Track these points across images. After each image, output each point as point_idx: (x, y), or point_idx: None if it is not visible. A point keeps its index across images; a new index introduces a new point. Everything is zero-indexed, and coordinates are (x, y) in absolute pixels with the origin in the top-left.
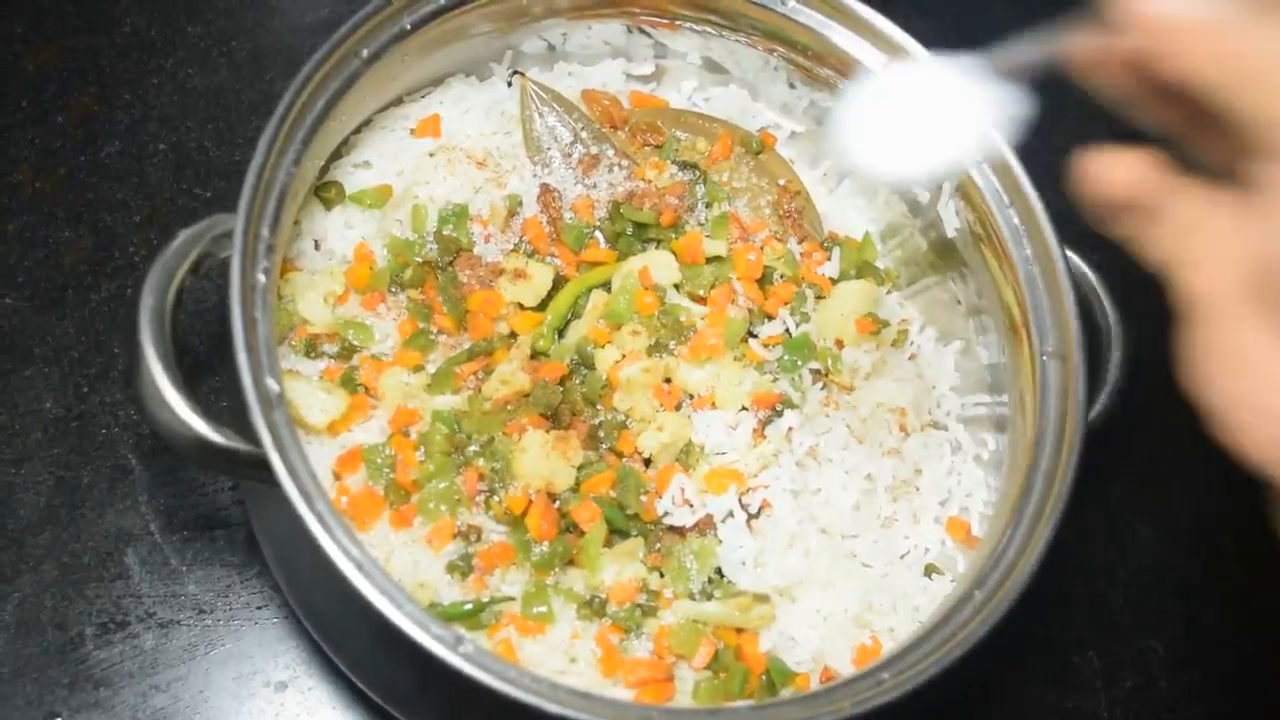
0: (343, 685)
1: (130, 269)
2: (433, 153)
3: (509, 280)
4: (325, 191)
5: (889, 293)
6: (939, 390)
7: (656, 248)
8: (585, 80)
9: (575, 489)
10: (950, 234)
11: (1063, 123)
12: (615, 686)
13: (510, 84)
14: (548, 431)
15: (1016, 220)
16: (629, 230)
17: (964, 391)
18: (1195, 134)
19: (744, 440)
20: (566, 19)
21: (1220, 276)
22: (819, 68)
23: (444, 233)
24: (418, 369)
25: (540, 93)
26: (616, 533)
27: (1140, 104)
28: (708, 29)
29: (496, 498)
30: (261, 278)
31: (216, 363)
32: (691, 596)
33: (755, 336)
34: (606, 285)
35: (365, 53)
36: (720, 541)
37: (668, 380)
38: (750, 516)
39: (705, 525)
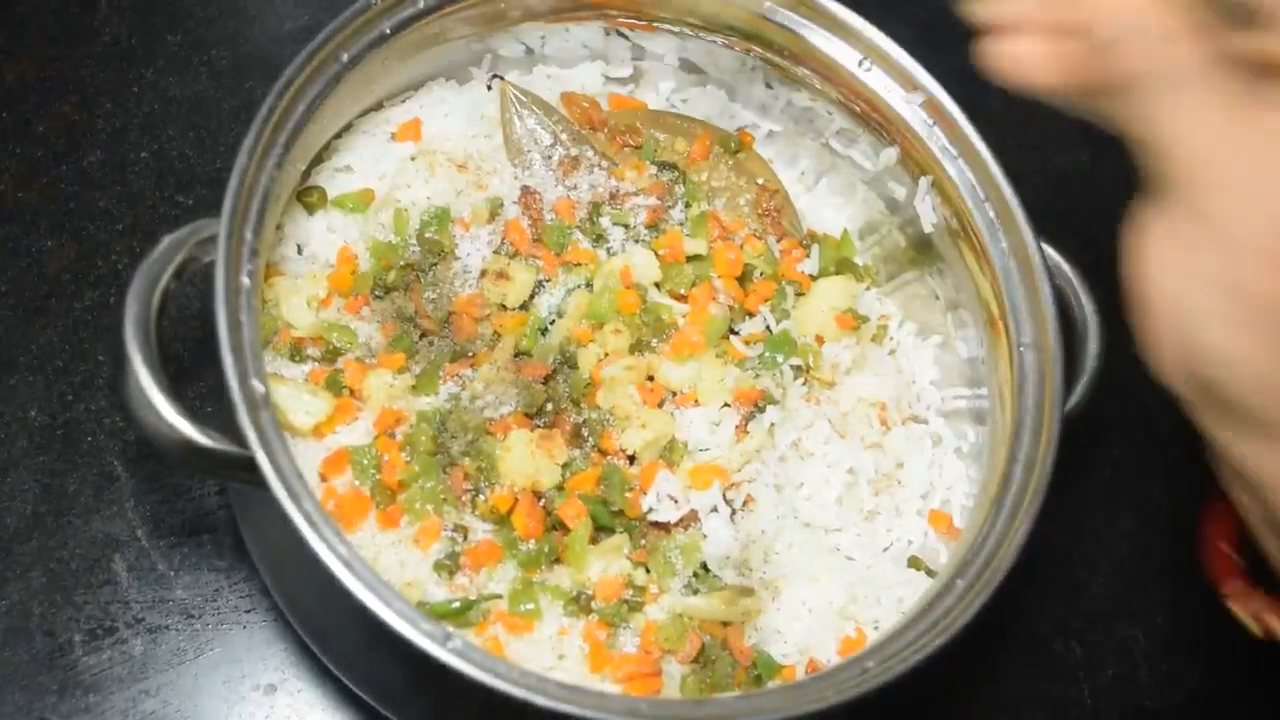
0: (332, 686)
1: (114, 277)
2: (414, 156)
3: (491, 281)
4: (307, 196)
5: (868, 289)
6: (919, 384)
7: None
8: (564, 83)
9: (560, 487)
10: (927, 229)
11: (1036, 119)
12: (603, 682)
13: (490, 87)
14: (532, 430)
15: (992, 214)
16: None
17: (944, 385)
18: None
19: (727, 436)
20: (544, 22)
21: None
22: (795, 67)
23: (426, 235)
24: (402, 371)
25: (520, 96)
26: (602, 529)
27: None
28: (685, 30)
29: (482, 497)
30: (245, 281)
31: (201, 369)
32: (677, 591)
33: (736, 333)
34: (589, 285)
35: (345, 57)
36: (705, 536)
37: (650, 378)
38: (734, 511)
39: (689, 521)
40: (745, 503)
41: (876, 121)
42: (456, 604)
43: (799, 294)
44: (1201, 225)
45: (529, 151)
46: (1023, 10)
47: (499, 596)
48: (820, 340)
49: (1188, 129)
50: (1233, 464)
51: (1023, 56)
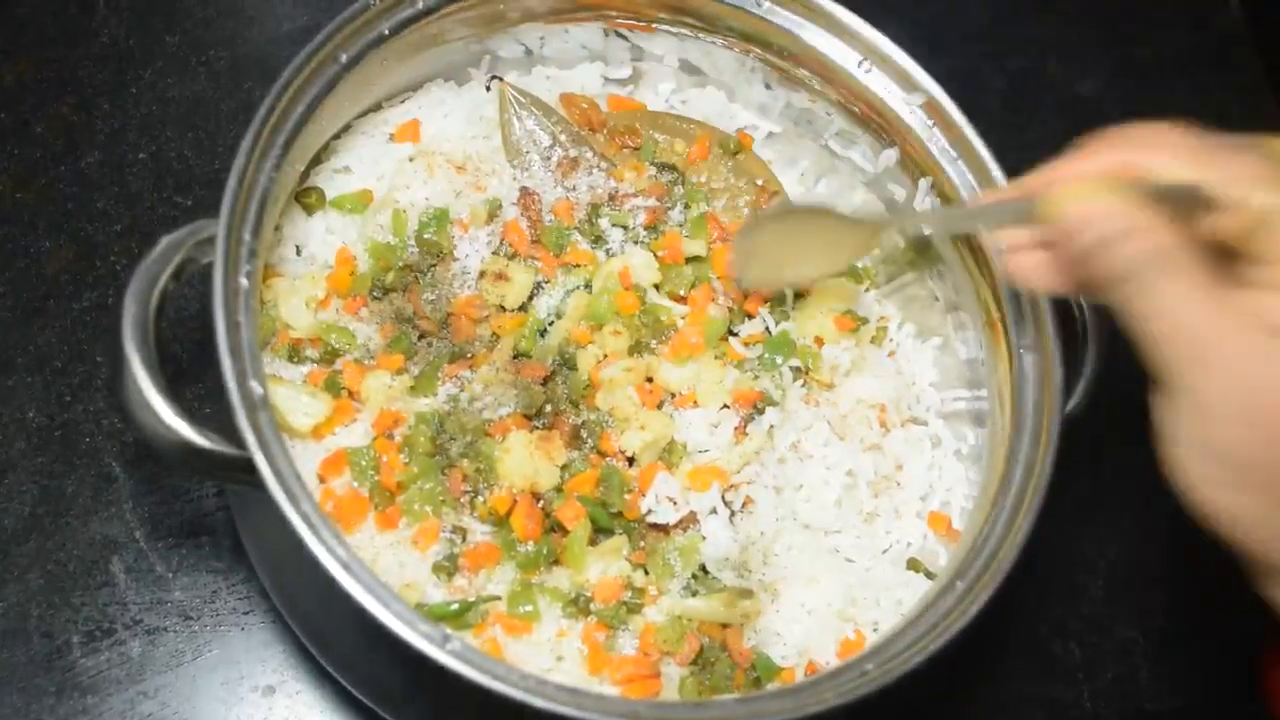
0: (330, 688)
1: (112, 278)
2: (412, 157)
3: (490, 283)
4: (306, 197)
5: (867, 290)
6: (918, 386)
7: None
8: (563, 84)
9: (559, 488)
10: (927, 231)
11: (1036, 120)
12: (602, 684)
13: (489, 88)
14: (531, 432)
15: None
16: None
17: (943, 387)
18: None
19: (726, 438)
20: (543, 23)
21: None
22: (795, 69)
23: (425, 236)
24: (400, 372)
25: (519, 97)
26: (601, 531)
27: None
28: (684, 31)
29: (481, 498)
30: (244, 282)
31: (200, 370)
32: (676, 593)
33: (735, 335)
34: (588, 286)
35: (344, 58)
36: (704, 538)
37: (649, 379)
38: (733, 513)
39: (688, 522)
40: (744, 504)
41: (876, 123)
42: (455, 606)
43: (798, 295)
44: (1190, 400)
45: (528, 153)
46: (1019, 235)
47: (498, 598)
48: (819, 342)
49: (1170, 312)
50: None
51: (1027, 268)
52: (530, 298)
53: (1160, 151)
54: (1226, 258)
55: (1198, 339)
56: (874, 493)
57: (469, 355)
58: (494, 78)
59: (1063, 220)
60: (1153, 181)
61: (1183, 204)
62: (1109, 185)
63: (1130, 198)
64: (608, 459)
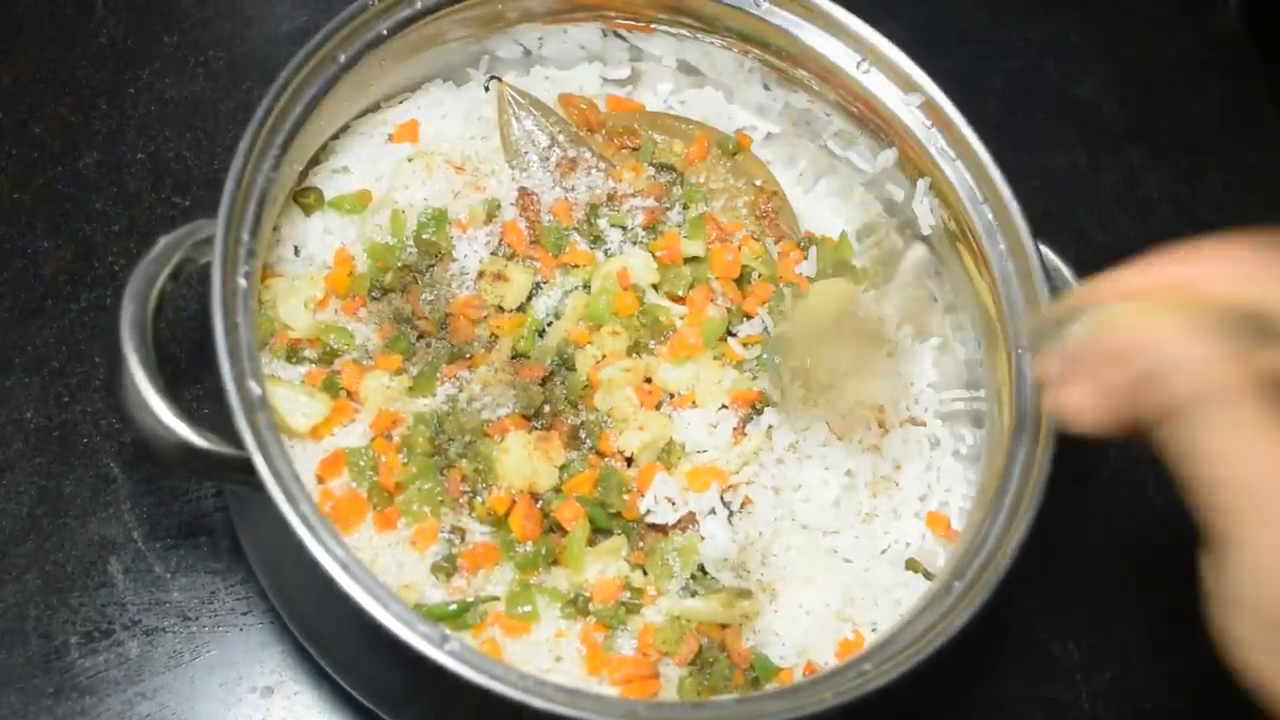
0: (328, 688)
1: (110, 278)
2: (411, 158)
3: (488, 283)
4: (304, 197)
5: (867, 291)
6: (917, 387)
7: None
8: (562, 84)
9: (558, 489)
10: (925, 232)
11: (1034, 120)
12: (600, 684)
13: (487, 89)
14: (530, 432)
15: (990, 216)
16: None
17: (942, 387)
18: None
19: (724, 438)
20: (542, 24)
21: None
22: (793, 69)
23: (423, 237)
24: (399, 372)
25: (517, 97)
26: (599, 531)
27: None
28: (682, 32)
29: (480, 499)
30: (242, 282)
31: (198, 371)
32: (675, 594)
33: (734, 335)
34: (586, 286)
35: (342, 58)
36: (702, 538)
37: (648, 380)
38: (732, 513)
39: (687, 523)
40: (743, 505)
41: (874, 123)
42: (454, 606)
43: (797, 296)
44: (1241, 557)
45: (526, 153)
46: (1068, 358)
47: (496, 598)
48: None
49: (1225, 457)
50: None
51: (1074, 403)
52: (529, 298)
53: (1229, 269)
54: None
55: (1255, 489)
56: (872, 493)
57: (467, 355)
58: (492, 78)
59: (1116, 341)
60: (1217, 303)
61: (1249, 331)
62: (1168, 306)
63: (1189, 321)
64: (606, 459)
